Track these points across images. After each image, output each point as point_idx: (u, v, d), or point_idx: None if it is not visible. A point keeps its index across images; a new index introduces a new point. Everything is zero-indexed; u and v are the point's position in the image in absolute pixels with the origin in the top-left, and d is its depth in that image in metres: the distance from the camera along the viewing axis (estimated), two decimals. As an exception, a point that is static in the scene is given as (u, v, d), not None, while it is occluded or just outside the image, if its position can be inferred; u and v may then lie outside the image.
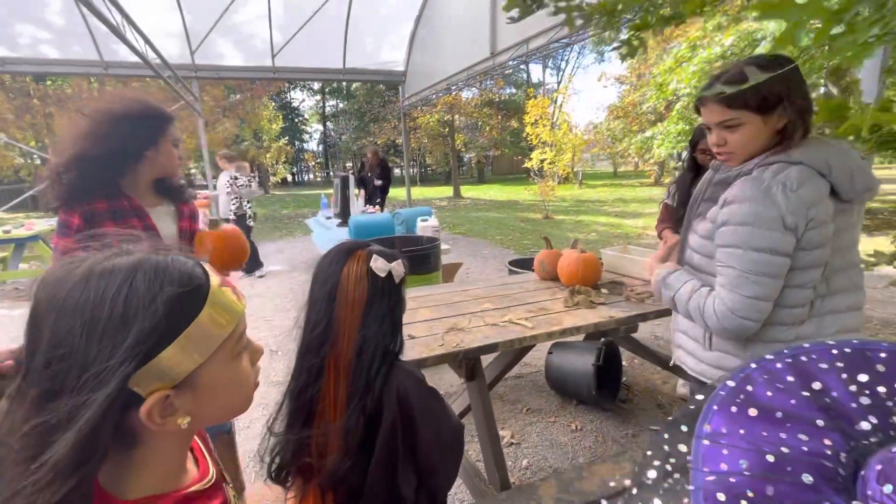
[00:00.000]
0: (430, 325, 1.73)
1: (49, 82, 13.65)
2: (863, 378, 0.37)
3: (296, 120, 33.67)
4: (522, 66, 27.35)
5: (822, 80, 2.88)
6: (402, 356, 0.98)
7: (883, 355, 0.38)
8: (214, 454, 0.66)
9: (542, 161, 11.96)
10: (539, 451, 2.28)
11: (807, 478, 0.32)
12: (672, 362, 1.36)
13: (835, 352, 0.40)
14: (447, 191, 21.66)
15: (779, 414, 0.36)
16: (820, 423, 0.35)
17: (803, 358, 0.40)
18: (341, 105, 33.09)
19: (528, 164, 12.76)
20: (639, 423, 2.48)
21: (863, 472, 0.31)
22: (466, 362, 1.60)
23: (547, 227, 9.74)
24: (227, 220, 5.27)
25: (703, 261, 1.20)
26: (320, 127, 35.98)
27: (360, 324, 0.89)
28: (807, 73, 2.66)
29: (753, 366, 0.41)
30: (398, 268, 0.95)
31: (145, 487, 0.49)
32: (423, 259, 2.95)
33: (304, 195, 22.16)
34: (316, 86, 31.21)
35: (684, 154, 2.48)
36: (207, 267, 0.52)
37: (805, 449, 0.33)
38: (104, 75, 6.76)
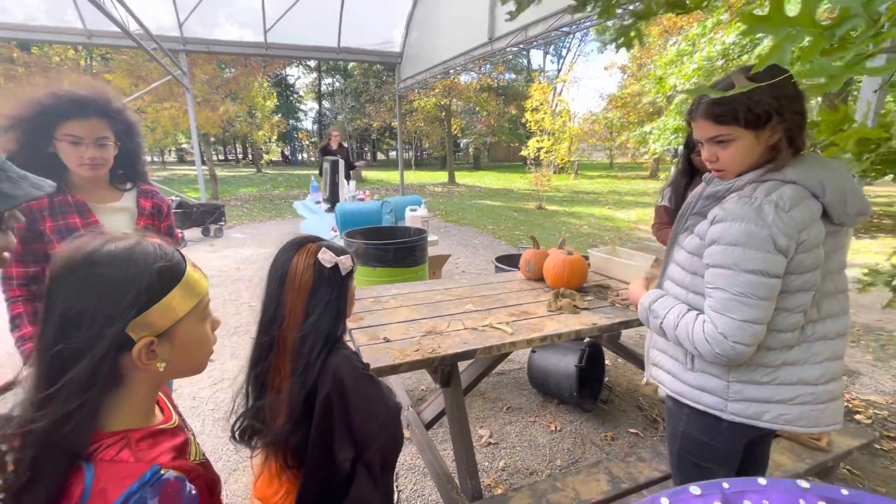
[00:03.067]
0: (407, 326, 1.68)
1: (35, 49, 13.16)
2: None
3: (290, 97, 33.00)
4: (523, 52, 26.92)
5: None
6: (343, 339, 1.08)
7: None
8: (178, 409, 0.79)
9: (539, 150, 11.82)
10: (517, 451, 2.26)
11: None
12: (645, 380, 1.33)
13: (804, 503, 0.29)
14: (442, 176, 21.46)
15: None
16: None
17: (747, 503, 0.30)
18: (338, 84, 32.44)
19: (524, 152, 12.62)
20: (618, 425, 2.47)
21: None
22: (442, 368, 1.56)
23: (540, 218, 9.70)
24: None
25: (686, 277, 1.15)
26: (316, 105, 35.33)
27: (305, 308, 1.00)
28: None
29: (665, 501, 0.32)
30: (345, 261, 1.05)
31: (123, 422, 0.63)
32: (408, 252, 2.88)
33: (297, 175, 21.86)
34: (312, 63, 30.53)
35: (680, 150, 2.41)
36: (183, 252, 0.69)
37: None
38: (88, 45, 6.52)
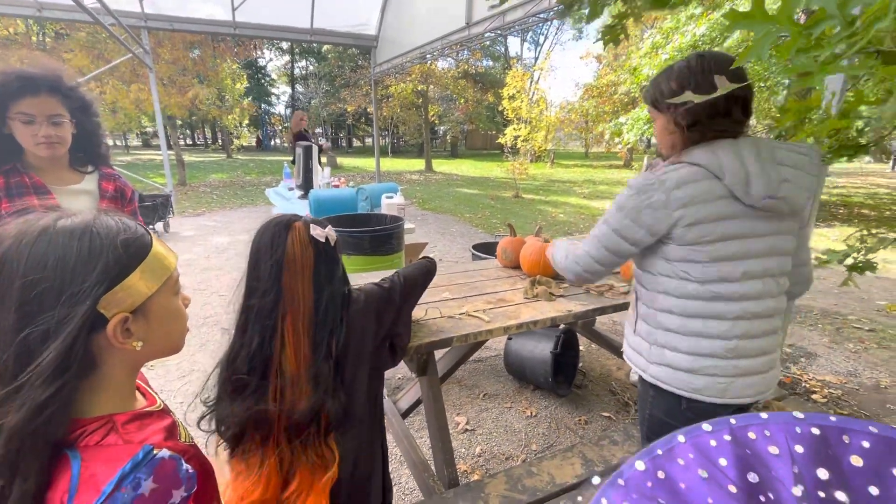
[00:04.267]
0: (383, 315, 1.65)
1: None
2: (822, 475, 0.30)
3: (262, 80, 31.90)
4: (500, 39, 26.75)
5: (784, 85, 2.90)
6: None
7: (866, 445, 0.31)
8: (159, 395, 0.75)
9: (516, 138, 11.83)
10: (493, 437, 2.28)
11: None
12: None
13: (799, 430, 0.34)
14: (419, 164, 21.28)
15: None
16: None
17: (751, 434, 0.34)
18: (311, 67, 31.51)
19: (501, 140, 12.61)
20: (591, 409, 2.53)
21: None
22: (418, 357, 1.55)
23: (516, 207, 9.75)
24: None
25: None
26: (288, 89, 34.28)
27: (313, 285, 1.01)
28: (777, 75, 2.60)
29: (681, 439, 0.36)
30: (331, 232, 1.08)
31: (104, 408, 0.60)
32: (384, 240, 2.84)
33: (269, 161, 21.26)
34: (285, 45, 29.52)
35: (653, 139, 2.43)
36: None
37: None
38: (39, 18, 6.09)
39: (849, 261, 1.53)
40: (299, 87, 33.18)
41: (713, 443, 0.35)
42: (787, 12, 0.64)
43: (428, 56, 6.94)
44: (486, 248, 3.61)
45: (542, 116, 12.26)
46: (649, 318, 1.18)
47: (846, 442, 0.32)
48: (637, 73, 7.72)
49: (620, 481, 0.36)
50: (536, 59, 30.59)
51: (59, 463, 0.53)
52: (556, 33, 30.54)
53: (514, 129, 11.83)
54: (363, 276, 2.15)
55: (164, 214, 6.57)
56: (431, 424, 1.62)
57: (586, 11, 1.27)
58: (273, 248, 1.00)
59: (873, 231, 1.49)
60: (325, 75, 27.12)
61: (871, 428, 0.33)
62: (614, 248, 1.16)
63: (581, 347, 3.03)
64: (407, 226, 3.40)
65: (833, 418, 0.34)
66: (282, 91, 35.33)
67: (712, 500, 0.32)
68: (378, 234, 2.80)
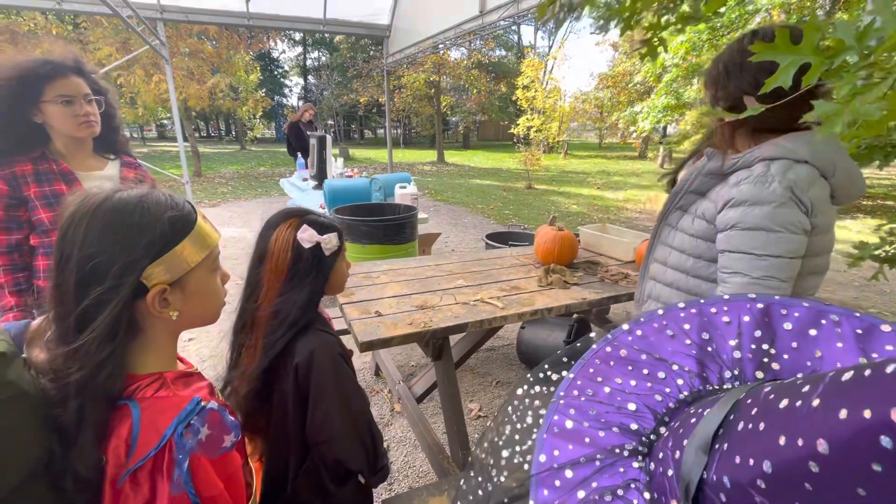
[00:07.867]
0: (399, 301, 1.68)
1: (2, 17, 12.45)
2: (758, 333, 0.42)
3: (275, 72, 32.02)
4: (513, 28, 26.38)
5: None
6: (323, 321, 1.03)
7: (797, 314, 0.41)
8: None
9: (529, 128, 11.70)
10: (506, 424, 2.31)
11: (631, 406, 0.41)
12: None
13: (749, 306, 0.45)
14: (431, 155, 21.21)
15: (644, 357, 0.44)
16: (676, 367, 0.42)
17: (713, 310, 0.45)
18: (324, 58, 31.49)
19: (514, 130, 12.49)
20: (605, 398, 2.53)
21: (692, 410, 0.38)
22: (434, 342, 1.57)
23: (529, 198, 9.69)
24: None
25: (688, 261, 1.10)
26: (301, 81, 34.36)
27: (281, 288, 0.95)
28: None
29: (660, 312, 0.48)
30: (330, 241, 0.97)
31: (152, 367, 0.66)
32: (398, 229, 2.86)
33: (283, 152, 21.39)
34: (297, 36, 29.54)
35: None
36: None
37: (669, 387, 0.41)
38: (59, 10, 6.19)
39: (881, 254, 1.48)
40: (311, 79, 33.21)
41: (682, 314, 0.46)
42: (810, 42, 0.68)
43: (441, 46, 6.89)
44: (500, 238, 3.62)
45: (555, 106, 12.09)
46: None
47: (783, 313, 0.42)
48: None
49: (609, 336, 0.47)
50: (550, 47, 30.11)
51: (120, 412, 0.60)
52: (570, 21, 29.94)
53: (528, 119, 11.69)
54: (377, 263, 2.18)
55: None
56: (446, 407, 1.64)
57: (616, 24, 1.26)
58: (262, 238, 0.98)
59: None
60: (338, 66, 27.07)
61: (804, 303, 0.42)
62: (792, 275, 0.94)
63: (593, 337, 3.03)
64: (420, 216, 3.42)
65: (777, 297, 0.44)
66: (294, 83, 35.44)
67: (671, 348, 0.43)
68: (392, 224, 2.83)
